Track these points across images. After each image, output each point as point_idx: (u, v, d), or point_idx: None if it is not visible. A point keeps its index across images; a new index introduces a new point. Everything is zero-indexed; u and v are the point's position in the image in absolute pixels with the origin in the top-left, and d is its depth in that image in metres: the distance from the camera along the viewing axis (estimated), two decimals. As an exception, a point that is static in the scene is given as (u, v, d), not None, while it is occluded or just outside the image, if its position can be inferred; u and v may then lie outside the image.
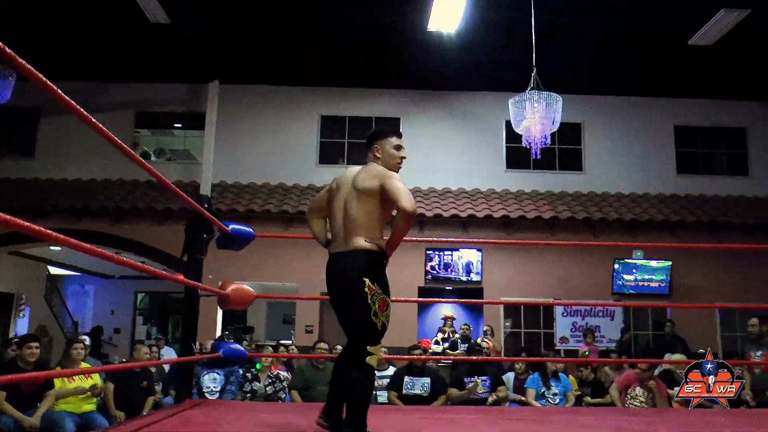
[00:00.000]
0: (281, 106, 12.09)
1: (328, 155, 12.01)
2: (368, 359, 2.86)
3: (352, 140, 11.91)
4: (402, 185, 2.85)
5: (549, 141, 7.36)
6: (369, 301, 2.83)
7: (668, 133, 12.31)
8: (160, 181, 2.96)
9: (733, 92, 11.94)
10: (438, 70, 10.82)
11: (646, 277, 11.11)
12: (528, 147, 7.32)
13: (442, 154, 11.90)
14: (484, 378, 6.74)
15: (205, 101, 11.40)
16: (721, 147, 12.57)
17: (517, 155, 11.51)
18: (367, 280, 2.84)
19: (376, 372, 3.08)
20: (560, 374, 7.27)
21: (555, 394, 7.08)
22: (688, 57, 10.06)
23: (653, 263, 11.06)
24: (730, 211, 11.45)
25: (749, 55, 10.10)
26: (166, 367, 7.64)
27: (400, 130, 12.12)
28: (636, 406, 6.50)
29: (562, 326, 10.99)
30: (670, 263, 11.01)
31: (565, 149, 11.94)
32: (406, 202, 2.78)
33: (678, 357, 8.22)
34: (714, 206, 11.60)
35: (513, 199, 11.43)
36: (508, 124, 11.23)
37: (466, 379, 6.74)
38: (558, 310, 10.96)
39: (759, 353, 5.93)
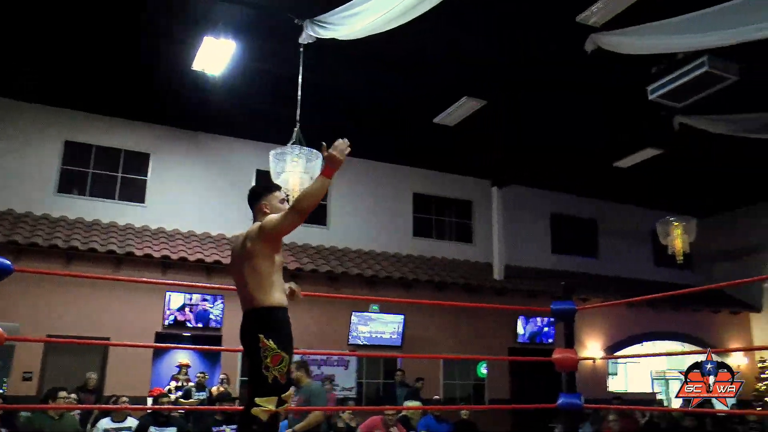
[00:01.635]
0: (21, 124, 10.78)
1: (69, 185, 10.97)
2: (253, 410, 2.93)
3: (98, 171, 10.99)
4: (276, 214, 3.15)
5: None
6: (261, 355, 2.98)
7: (407, 198, 13.53)
8: None
9: (465, 169, 13.54)
10: (195, 109, 10.67)
11: (380, 329, 11.86)
12: (285, 198, 7.44)
13: (191, 196, 11.58)
14: (233, 427, 6.61)
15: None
16: (451, 215, 14.04)
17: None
18: (261, 336, 3.00)
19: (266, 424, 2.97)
20: None
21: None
22: (431, 133, 11.25)
23: (388, 316, 11.85)
24: (455, 272, 12.82)
25: (480, 139, 11.57)
26: None
27: (149, 166, 11.59)
28: None
29: (298, 375, 11.18)
30: (403, 317, 11.92)
31: (313, 204, 12.27)
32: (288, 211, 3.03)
33: (415, 404, 8.89)
34: (442, 267, 12.92)
35: (259, 248, 11.42)
36: (259, 172, 11.46)
37: (214, 429, 6.58)
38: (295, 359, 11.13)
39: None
